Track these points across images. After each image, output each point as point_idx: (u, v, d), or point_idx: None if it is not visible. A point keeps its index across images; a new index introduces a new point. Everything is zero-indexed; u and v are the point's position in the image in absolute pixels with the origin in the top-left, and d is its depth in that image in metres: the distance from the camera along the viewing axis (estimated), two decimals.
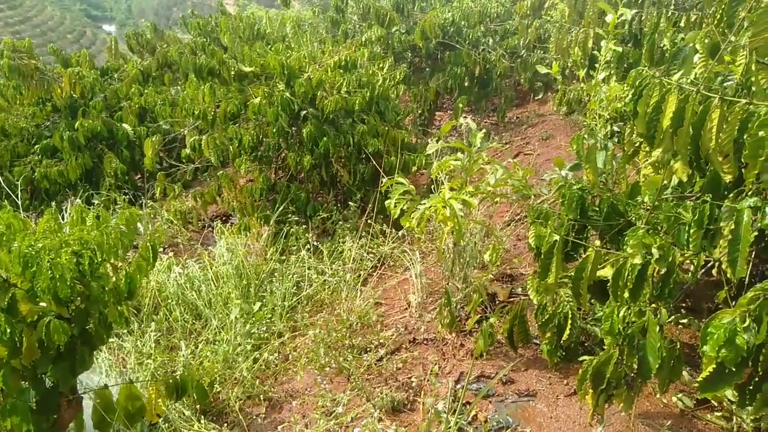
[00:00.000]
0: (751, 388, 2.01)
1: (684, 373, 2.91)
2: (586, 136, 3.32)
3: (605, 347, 2.34)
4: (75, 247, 2.43)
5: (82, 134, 6.95)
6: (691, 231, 2.27)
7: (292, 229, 5.32)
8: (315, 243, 5.17)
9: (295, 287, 4.67)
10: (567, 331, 2.91)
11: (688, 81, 2.53)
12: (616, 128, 4.54)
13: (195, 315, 4.48)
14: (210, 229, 6.21)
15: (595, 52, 4.99)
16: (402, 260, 4.92)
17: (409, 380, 3.29)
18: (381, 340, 3.75)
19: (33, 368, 2.37)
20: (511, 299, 4.00)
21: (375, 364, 3.49)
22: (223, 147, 5.85)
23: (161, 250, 5.34)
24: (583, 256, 2.60)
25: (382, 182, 3.91)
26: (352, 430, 2.96)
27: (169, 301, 4.53)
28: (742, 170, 2.11)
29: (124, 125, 7.35)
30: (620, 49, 4.78)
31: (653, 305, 2.36)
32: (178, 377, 2.80)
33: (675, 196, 2.86)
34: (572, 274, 2.60)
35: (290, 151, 5.79)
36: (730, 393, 2.85)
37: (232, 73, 5.89)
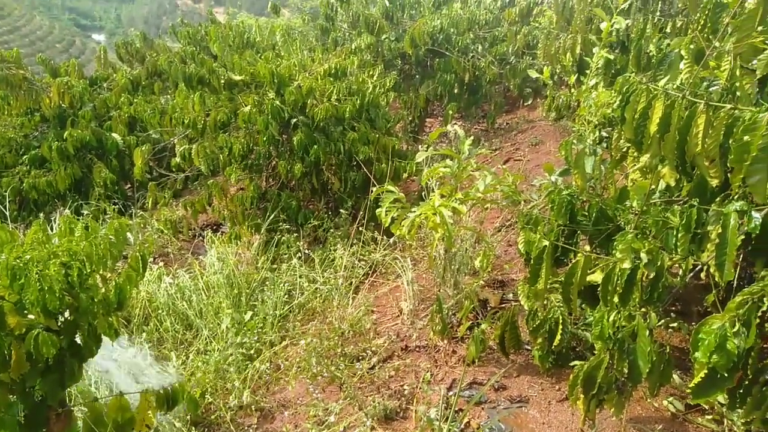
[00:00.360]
0: (741, 391, 2.03)
1: (675, 376, 2.93)
2: (574, 141, 3.34)
3: (596, 352, 2.35)
4: (64, 259, 2.41)
5: (71, 144, 6.91)
6: (679, 235, 2.28)
7: (283, 238, 5.30)
8: (306, 251, 5.15)
9: (286, 296, 4.65)
10: (558, 337, 2.92)
11: (674, 87, 2.56)
12: (604, 134, 4.57)
13: (186, 325, 4.46)
14: (201, 238, 6.18)
15: (585, 57, 5.04)
16: (393, 267, 4.92)
17: (402, 388, 3.28)
18: (373, 348, 3.74)
19: (21, 381, 2.34)
20: (503, 305, 4.01)
21: (367, 373, 3.48)
22: (213, 156, 5.84)
23: (151, 260, 5.32)
24: (573, 261, 2.61)
25: (373, 190, 3.91)
26: None
27: (160, 311, 4.51)
28: (728, 175, 2.13)
29: (114, 135, 7.31)
30: (612, 56, 4.83)
31: (643, 309, 2.37)
32: (168, 388, 2.78)
33: (663, 201, 2.89)
34: (562, 279, 2.61)
35: (281, 159, 5.79)
36: (720, 397, 2.87)
37: (222, 81, 5.89)
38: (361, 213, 5.43)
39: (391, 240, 5.25)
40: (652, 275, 2.34)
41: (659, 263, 2.32)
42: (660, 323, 3.38)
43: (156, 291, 4.69)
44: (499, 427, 2.86)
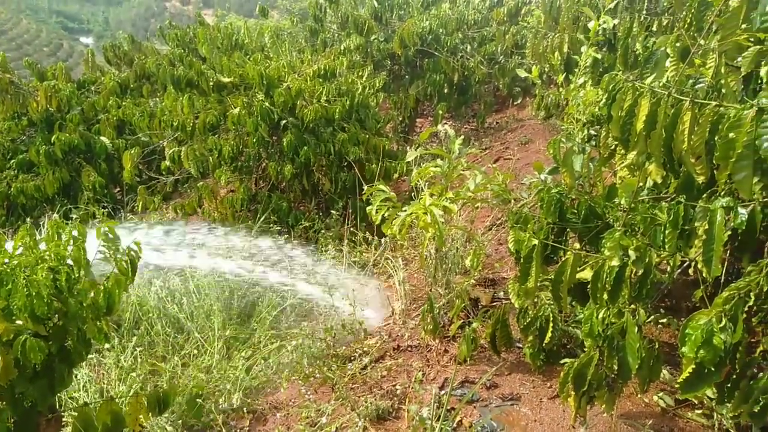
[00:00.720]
0: (729, 386, 2.05)
1: (664, 372, 2.95)
2: (563, 140, 3.36)
3: (586, 349, 2.36)
4: (52, 263, 2.39)
5: (59, 148, 6.87)
6: (667, 232, 2.30)
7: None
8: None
9: (278, 297, 4.64)
10: (549, 334, 2.93)
11: (661, 84, 2.58)
12: (593, 132, 4.60)
13: (177, 328, 4.43)
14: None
15: (573, 56, 5.06)
16: (385, 267, 4.93)
17: (394, 388, 3.28)
18: (365, 348, 3.74)
19: (10, 387, 2.32)
20: (494, 304, 4.02)
21: (359, 373, 3.48)
22: (202, 158, 5.83)
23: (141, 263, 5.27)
24: (563, 259, 2.62)
25: (363, 190, 3.91)
26: None
27: (150, 314, 4.48)
28: (714, 171, 2.15)
29: (102, 138, 7.27)
30: (599, 55, 4.86)
31: (632, 306, 2.39)
32: (160, 391, 2.76)
33: (651, 197, 2.91)
34: (552, 277, 2.63)
35: (271, 161, 5.78)
36: (709, 391, 2.89)
37: (211, 83, 5.87)
38: (352, 213, 5.44)
39: (383, 240, 5.26)
40: (640, 272, 2.36)
41: (647, 260, 2.33)
42: (650, 319, 3.41)
43: (146, 294, 4.66)
44: (491, 425, 2.87)
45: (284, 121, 5.69)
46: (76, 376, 3.64)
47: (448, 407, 2.95)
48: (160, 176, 6.80)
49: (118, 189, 7.62)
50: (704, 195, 2.29)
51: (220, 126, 5.93)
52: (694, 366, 1.87)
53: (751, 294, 1.90)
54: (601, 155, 3.16)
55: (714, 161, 2.07)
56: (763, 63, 2.25)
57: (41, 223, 6.15)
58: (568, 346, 3.25)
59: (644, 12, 5.08)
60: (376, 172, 5.71)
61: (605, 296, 2.37)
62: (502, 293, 4.15)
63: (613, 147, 3.03)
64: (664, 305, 3.53)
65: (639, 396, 2.91)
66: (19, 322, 2.30)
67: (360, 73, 7.03)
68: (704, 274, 2.13)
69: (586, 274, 2.61)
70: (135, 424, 2.66)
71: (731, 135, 1.93)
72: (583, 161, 3.54)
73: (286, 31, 10.19)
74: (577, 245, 3.20)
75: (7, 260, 2.28)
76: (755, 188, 1.92)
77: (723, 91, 2.37)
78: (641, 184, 2.78)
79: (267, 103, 5.57)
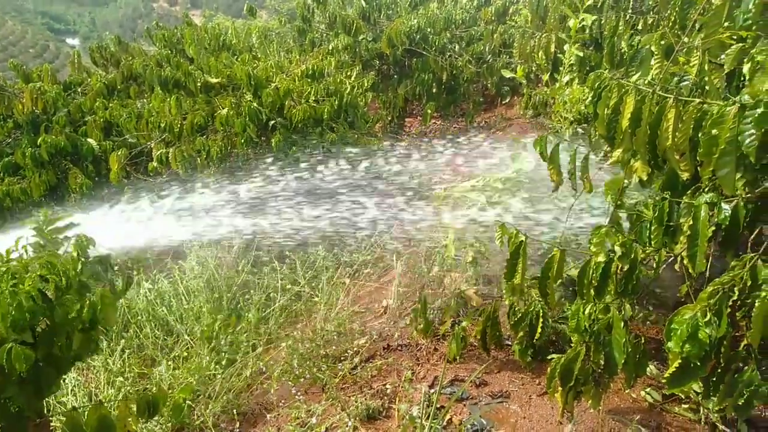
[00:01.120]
0: (714, 380, 2.07)
1: (651, 367, 2.97)
2: (550, 137, 3.37)
3: (573, 345, 2.37)
4: (42, 272, 2.36)
5: (45, 150, 6.79)
6: (652, 228, 2.32)
7: (264, 240, 5.28)
8: (288, 253, 5.13)
9: (268, 299, 4.63)
10: (539, 330, 2.94)
11: (645, 82, 2.60)
12: (580, 130, 4.63)
13: (166, 331, 4.41)
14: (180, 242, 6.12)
15: (559, 55, 5.09)
16: (377, 267, 4.93)
17: (384, 387, 3.29)
18: (355, 348, 3.74)
19: None
20: (486, 302, 4.03)
21: (350, 373, 3.48)
22: (190, 159, 5.79)
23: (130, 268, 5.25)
24: (550, 255, 2.64)
25: None
26: None
27: (139, 317, 4.46)
28: (698, 168, 2.17)
29: (89, 140, 7.19)
30: (582, 54, 4.88)
31: (618, 301, 2.40)
32: (150, 395, 2.74)
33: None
34: (540, 274, 2.64)
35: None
36: (696, 386, 2.92)
37: (199, 84, 5.85)
38: None
39: (372, 239, 5.25)
40: (626, 268, 2.37)
41: (633, 256, 2.35)
42: (638, 316, 3.44)
43: (135, 297, 4.63)
44: (481, 422, 2.88)
45: (273, 122, 5.67)
46: (64, 381, 3.62)
47: (438, 406, 2.96)
48: (148, 178, 6.76)
49: (106, 191, 7.55)
50: (688, 191, 2.32)
51: (208, 127, 5.91)
52: (680, 361, 1.89)
53: (735, 289, 1.92)
54: (587, 154, 3.18)
55: (697, 157, 2.09)
56: (745, 60, 2.27)
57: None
58: (557, 343, 3.27)
59: (630, 10, 5.12)
60: None
61: (592, 292, 2.39)
62: (495, 291, 4.16)
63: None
64: (650, 301, 3.56)
65: (626, 391, 2.94)
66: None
67: (348, 73, 7.03)
68: (690, 270, 2.15)
69: (575, 272, 2.63)
70: (124, 429, 2.64)
71: (714, 131, 1.94)
72: (570, 158, 3.55)
73: (274, 32, 10.15)
74: None
75: None
76: (738, 184, 1.94)
77: (707, 88, 2.40)
78: (627, 181, 2.81)
79: (255, 104, 5.56)
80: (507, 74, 5.09)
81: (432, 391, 3.14)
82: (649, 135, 2.32)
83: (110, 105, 7.64)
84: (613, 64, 4.55)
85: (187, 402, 3.45)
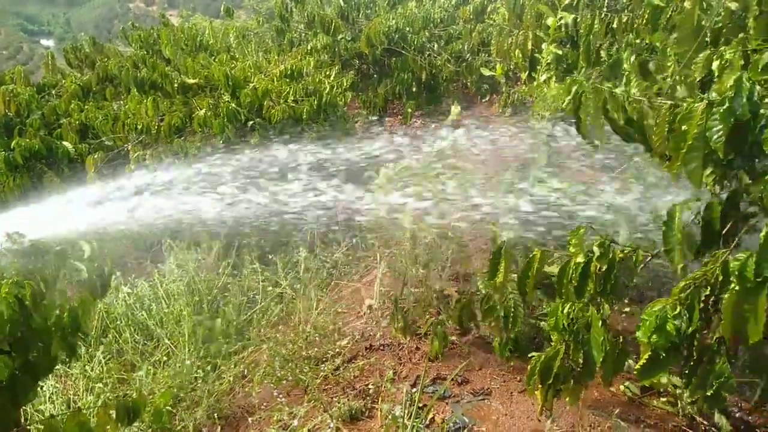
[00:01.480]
0: (687, 372, 2.10)
1: (630, 362, 3.00)
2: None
3: (552, 343, 2.40)
4: (16, 278, 2.32)
5: (20, 154, 6.66)
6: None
7: (244, 242, 5.24)
8: (268, 254, 5.10)
9: (249, 301, 4.60)
10: (517, 321, 2.93)
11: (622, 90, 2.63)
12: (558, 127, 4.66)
13: (146, 335, 4.36)
14: (160, 245, 6.05)
15: (536, 54, 5.13)
16: (357, 267, 4.93)
17: (367, 387, 3.29)
18: (337, 349, 3.73)
19: None
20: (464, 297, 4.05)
21: (332, 374, 3.47)
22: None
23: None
24: (530, 255, 2.65)
25: None
26: None
27: (118, 322, 4.40)
28: (667, 162, 2.20)
29: (65, 143, 7.07)
30: (560, 52, 4.93)
31: (596, 300, 2.43)
32: (130, 400, 2.71)
33: None
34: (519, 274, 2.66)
35: None
36: (676, 380, 2.97)
37: (176, 85, 5.79)
38: None
39: (354, 240, 5.25)
40: (604, 268, 2.40)
41: (611, 256, 2.38)
42: (625, 310, 3.47)
43: (114, 302, 4.58)
44: (463, 420, 2.90)
45: (251, 122, 5.64)
46: (41, 388, 3.56)
47: (421, 404, 2.97)
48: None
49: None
50: None
51: (186, 128, 5.85)
52: (649, 353, 1.92)
53: (708, 286, 1.95)
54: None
55: (666, 152, 2.12)
56: (714, 57, 2.31)
57: None
58: (537, 340, 3.30)
59: (605, 9, 5.18)
60: None
61: (572, 291, 2.41)
62: (474, 288, 4.18)
63: None
64: (631, 296, 3.60)
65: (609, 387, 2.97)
66: None
67: (327, 73, 7.01)
68: (671, 266, 2.18)
69: (554, 269, 2.65)
70: None
71: (684, 127, 1.97)
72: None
73: (252, 31, 10.08)
74: None
75: None
76: (707, 180, 1.98)
77: (678, 88, 2.43)
78: None
79: (233, 104, 5.52)
80: (486, 72, 5.12)
81: (414, 390, 3.15)
82: None
83: (86, 107, 7.52)
84: (589, 63, 4.59)
85: (168, 407, 3.42)
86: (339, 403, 3.10)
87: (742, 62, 2.11)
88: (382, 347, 3.73)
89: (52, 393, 3.57)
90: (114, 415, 2.65)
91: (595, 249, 2.40)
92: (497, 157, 4.27)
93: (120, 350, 4.21)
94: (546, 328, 3.22)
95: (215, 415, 3.36)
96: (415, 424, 2.78)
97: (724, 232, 2.21)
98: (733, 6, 2.41)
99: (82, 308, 2.54)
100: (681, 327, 1.86)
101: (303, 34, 9.01)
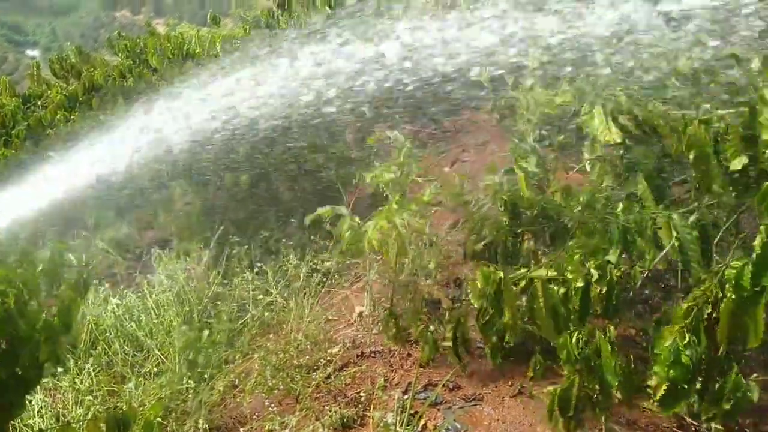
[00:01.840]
0: (699, 388, 2.09)
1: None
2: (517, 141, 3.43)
3: (566, 374, 2.36)
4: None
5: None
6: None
7: (233, 251, 5.22)
8: (258, 263, 5.09)
9: (240, 310, 4.58)
10: (509, 334, 2.95)
11: None
12: (544, 132, 4.70)
13: (136, 346, 4.33)
14: (149, 256, 6.01)
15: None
16: (348, 274, 4.92)
17: (358, 395, 3.28)
18: (329, 357, 3.72)
19: None
20: (456, 305, 4.06)
21: (323, 382, 3.47)
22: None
23: (97, 281, 5.13)
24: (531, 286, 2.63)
25: (319, 210, 3.96)
26: None
27: (108, 334, 4.37)
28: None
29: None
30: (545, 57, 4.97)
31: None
32: (120, 413, 2.69)
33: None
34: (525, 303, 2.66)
35: (227, 170, 5.72)
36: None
37: None
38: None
39: (344, 247, 5.24)
40: (604, 290, 2.41)
41: (609, 278, 2.40)
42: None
43: (103, 313, 4.54)
44: (455, 426, 2.90)
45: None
46: (30, 402, 3.52)
47: (412, 411, 2.97)
48: None
49: None
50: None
51: None
52: (667, 385, 1.92)
53: (708, 305, 1.95)
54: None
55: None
56: None
57: None
58: (526, 345, 3.30)
59: None
60: (335, 178, 5.71)
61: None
62: (464, 294, 4.19)
63: None
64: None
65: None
66: None
67: None
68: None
69: (542, 272, 2.67)
70: None
71: None
72: (537, 161, 3.62)
73: (239, 40, 10.07)
74: (532, 244, 3.28)
75: None
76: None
77: None
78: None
79: None
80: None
81: (406, 397, 3.15)
82: None
83: (72, 117, 7.49)
84: None
85: (158, 419, 3.40)
86: (331, 411, 3.10)
87: None
88: (373, 354, 3.72)
89: (41, 407, 3.53)
90: (104, 428, 2.63)
91: (593, 272, 2.41)
92: None
93: (110, 362, 4.17)
94: (534, 332, 3.23)
95: (206, 425, 3.34)
96: (407, 431, 2.78)
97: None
98: None
99: (71, 305, 2.53)
100: (693, 356, 1.87)
101: None
